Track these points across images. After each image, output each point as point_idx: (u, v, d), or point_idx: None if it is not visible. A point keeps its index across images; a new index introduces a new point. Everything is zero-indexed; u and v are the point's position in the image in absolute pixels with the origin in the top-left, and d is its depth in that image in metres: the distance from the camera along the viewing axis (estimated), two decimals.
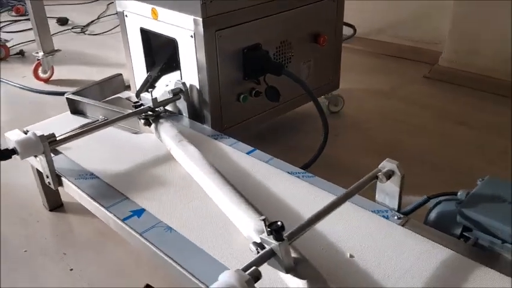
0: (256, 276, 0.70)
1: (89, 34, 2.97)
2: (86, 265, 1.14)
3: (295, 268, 0.77)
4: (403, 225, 0.94)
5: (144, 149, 1.23)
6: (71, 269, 1.14)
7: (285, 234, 0.77)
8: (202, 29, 1.25)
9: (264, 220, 0.75)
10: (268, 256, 0.75)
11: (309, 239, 0.89)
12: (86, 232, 1.27)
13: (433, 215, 1.00)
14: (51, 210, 1.36)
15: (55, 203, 1.36)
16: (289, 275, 0.76)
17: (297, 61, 1.56)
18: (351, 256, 0.87)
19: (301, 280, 0.75)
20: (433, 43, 2.13)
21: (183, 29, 1.32)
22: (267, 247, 0.75)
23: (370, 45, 2.39)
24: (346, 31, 2.46)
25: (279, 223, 0.74)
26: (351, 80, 2.09)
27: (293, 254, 0.79)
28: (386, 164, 0.94)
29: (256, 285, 0.70)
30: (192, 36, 1.29)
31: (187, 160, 1.11)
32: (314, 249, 0.89)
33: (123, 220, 0.98)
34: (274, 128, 1.73)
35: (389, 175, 0.94)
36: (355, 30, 2.43)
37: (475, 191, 0.96)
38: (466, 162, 1.50)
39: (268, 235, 0.75)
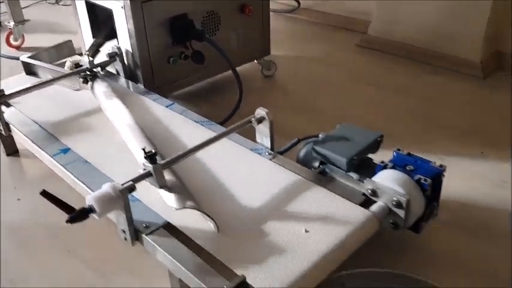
0: (131, 188, 0.96)
1: (62, 5, 3.17)
2: (31, 195, 1.40)
3: (167, 185, 1.02)
4: (271, 159, 1.19)
5: (80, 103, 1.48)
6: (18, 199, 1.39)
7: (163, 161, 1.02)
8: (129, 1, 1.48)
9: (143, 149, 1.00)
10: (145, 175, 1.00)
11: (199, 168, 1.15)
12: (35, 172, 1.52)
13: (301, 153, 1.25)
14: (8, 155, 1.61)
15: (11, 149, 1.61)
16: (162, 190, 1.02)
17: (225, 29, 1.79)
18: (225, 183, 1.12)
19: (171, 193, 1.01)
20: (366, 14, 2.34)
21: (116, 0, 1.54)
22: (146, 169, 1.00)
23: (313, 15, 2.61)
24: (293, 3, 2.68)
25: (152, 151, 0.99)
26: (289, 48, 2.32)
27: (169, 177, 1.05)
28: (259, 112, 1.19)
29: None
30: (122, 7, 1.52)
31: (111, 110, 1.36)
32: (198, 174, 1.14)
33: (52, 156, 1.23)
34: (210, 89, 1.97)
35: (260, 120, 1.19)
36: (299, 3, 2.63)
37: (330, 133, 1.21)
38: (367, 118, 1.75)
39: (146, 160, 1.00)
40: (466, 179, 1.43)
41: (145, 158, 0.99)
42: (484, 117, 1.74)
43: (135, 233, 0.99)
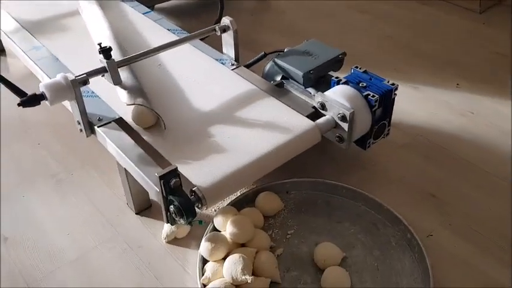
0: (84, 81, 1.00)
1: None
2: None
3: (122, 83, 1.06)
4: (232, 70, 1.21)
5: (62, 5, 1.50)
6: None
7: (120, 59, 1.06)
8: None
9: (99, 44, 1.03)
10: (100, 71, 1.03)
11: (159, 72, 1.18)
12: (18, 71, 1.58)
13: (266, 67, 1.26)
14: None
15: None
16: (118, 87, 1.06)
17: None
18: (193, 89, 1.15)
19: (124, 90, 1.05)
20: None
21: None
22: (102, 64, 1.04)
23: None
24: None
25: (107, 46, 1.02)
26: None
27: (126, 75, 1.08)
28: (224, 20, 1.19)
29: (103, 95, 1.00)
30: None
31: (87, 12, 1.38)
32: (157, 77, 1.17)
33: (26, 52, 1.27)
34: (200, 5, 1.97)
35: (224, 29, 1.20)
36: None
37: (294, 48, 1.22)
38: (349, 43, 1.73)
39: (101, 55, 1.03)
40: (434, 107, 1.43)
41: (100, 52, 1.02)
42: (471, 50, 1.71)
43: (90, 126, 1.04)
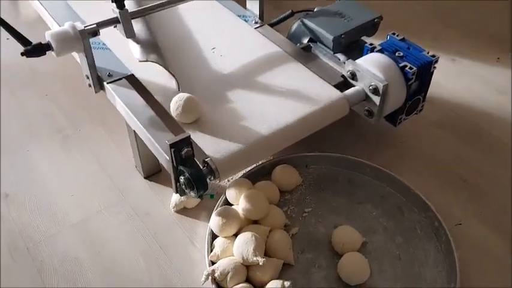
0: (94, 32, 0.91)
1: None
2: None
3: (136, 36, 0.97)
4: (256, 28, 1.11)
5: None
6: (7, 39, 1.37)
7: (136, 9, 0.96)
8: None
9: None
10: (112, 21, 0.94)
11: (176, 26, 1.09)
12: (30, 15, 1.49)
13: (292, 27, 1.16)
14: None
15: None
16: (130, 40, 0.97)
17: None
18: (213, 48, 1.06)
19: (137, 44, 0.96)
20: None
21: None
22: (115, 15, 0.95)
23: None
24: None
25: None
26: None
27: (140, 28, 0.99)
28: None
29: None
30: None
31: None
32: (175, 32, 1.08)
33: None
34: None
35: None
36: None
37: (325, 7, 1.10)
38: (385, 7, 1.60)
39: (113, 4, 0.93)
40: (471, 82, 1.32)
41: (112, 1, 0.93)
42: None
43: (99, 81, 0.96)
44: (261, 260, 0.80)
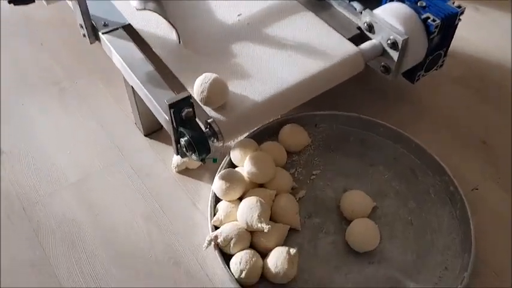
0: None
1: None
2: None
3: None
4: None
5: None
6: None
7: None
8: None
9: None
10: None
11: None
12: None
13: None
14: None
15: None
16: None
17: None
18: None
19: None
20: None
21: None
22: None
23: None
24: None
25: None
26: None
27: None
28: None
29: None
30: None
31: None
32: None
33: None
34: None
35: None
36: None
37: None
38: None
39: None
40: (495, 34, 1.23)
41: None
42: None
43: (93, 30, 0.89)
44: (265, 227, 0.76)
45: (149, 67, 0.82)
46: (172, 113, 0.71)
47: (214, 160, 0.82)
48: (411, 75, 0.95)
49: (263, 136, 0.94)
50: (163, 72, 0.81)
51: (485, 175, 0.94)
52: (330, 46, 0.86)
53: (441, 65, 0.98)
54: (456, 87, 1.10)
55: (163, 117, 0.75)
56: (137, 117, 0.96)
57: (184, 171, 0.92)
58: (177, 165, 0.91)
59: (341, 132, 0.98)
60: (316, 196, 0.89)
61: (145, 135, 0.98)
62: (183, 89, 0.79)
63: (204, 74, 0.76)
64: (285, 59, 0.84)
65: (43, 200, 0.88)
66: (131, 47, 0.85)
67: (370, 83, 1.08)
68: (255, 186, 0.85)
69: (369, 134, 0.97)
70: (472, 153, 0.97)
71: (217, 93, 0.75)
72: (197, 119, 0.73)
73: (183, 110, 0.71)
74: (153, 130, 0.99)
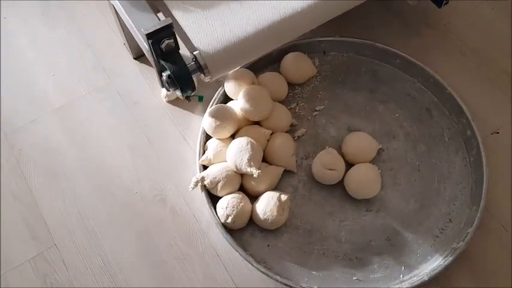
0: None
1: None
2: None
3: None
4: None
5: None
6: None
7: None
8: None
9: None
10: None
11: None
12: None
13: None
14: None
15: None
16: None
17: None
18: None
19: None
20: None
21: None
22: None
23: None
24: None
25: None
26: None
27: None
28: None
29: None
30: None
31: None
32: None
33: None
34: None
35: None
36: None
37: None
38: None
39: None
40: None
41: None
42: None
43: None
44: (255, 172, 0.70)
45: None
46: (150, 44, 0.62)
47: (200, 98, 0.74)
48: None
49: (263, 65, 0.85)
50: None
51: (509, 117, 0.84)
52: None
53: None
54: (484, 13, 0.95)
55: (144, 46, 0.66)
56: (125, 37, 0.87)
57: (175, 101, 0.85)
58: (167, 95, 0.84)
59: (352, 61, 0.87)
60: (317, 135, 0.81)
61: (135, 58, 0.90)
62: (168, 14, 0.69)
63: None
64: None
65: (26, 126, 0.83)
66: None
67: (390, 6, 0.95)
68: (249, 123, 0.78)
69: (383, 66, 0.87)
70: (496, 91, 0.87)
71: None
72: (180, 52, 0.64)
73: (162, 41, 0.62)
74: (142, 53, 0.90)
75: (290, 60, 0.83)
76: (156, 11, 0.70)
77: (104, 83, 0.87)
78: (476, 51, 0.91)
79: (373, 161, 0.77)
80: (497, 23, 0.94)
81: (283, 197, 0.71)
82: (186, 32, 0.67)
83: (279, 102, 0.82)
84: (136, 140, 0.82)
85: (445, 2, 0.83)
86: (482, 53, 0.91)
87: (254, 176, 0.70)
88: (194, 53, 0.65)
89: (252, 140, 0.72)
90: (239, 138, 0.73)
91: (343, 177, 0.76)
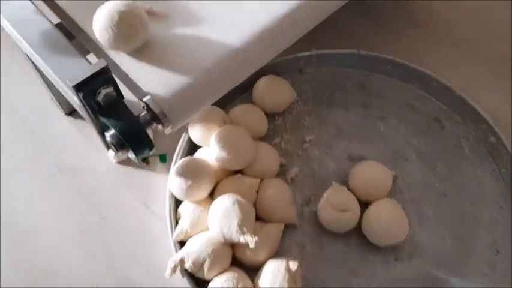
0: None
1: None
2: None
3: None
4: None
5: None
6: None
7: None
8: None
9: None
10: None
11: None
12: None
13: None
14: None
15: None
16: None
17: None
18: None
19: None
20: None
21: None
22: None
23: None
24: None
25: None
26: None
27: None
28: None
29: None
30: None
31: None
32: None
33: None
34: None
35: None
36: None
37: None
38: None
39: None
40: None
41: None
42: None
43: None
44: (251, 241, 0.53)
45: (45, 23, 0.53)
46: (81, 99, 0.44)
47: (162, 158, 0.57)
48: None
49: (231, 97, 0.68)
50: (70, 31, 0.53)
51: None
52: None
53: None
54: (478, 1, 0.84)
55: (75, 101, 0.48)
56: (51, 92, 0.68)
57: (127, 160, 0.66)
58: (116, 154, 0.66)
59: (334, 76, 0.72)
60: (313, 172, 0.65)
61: (68, 114, 0.71)
62: (103, 55, 0.51)
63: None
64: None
65: None
66: None
67: (365, 10, 0.81)
68: (228, 174, 0.61)
69: (371, 75, 0.72)
70: (509, 86, 0.74)
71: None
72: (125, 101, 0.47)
73: (98, 92, 0.44)
74: None
75: (263, 86, 0.67)
76: (84, 53, 0.52)
77: (32, 150, 0.68)
78: (477, 43, 0.78)
79: (389, 194, 0.62)
80: (494, 8, 0.82)
81: (293, 265, 0.54)
82: (130, 73, 0.49)
83: (259, 139, 0.65)
84: (85, 221, 0.63)
85: None
86: (483, 45, 0.78)
87: (251, 246, 0.53)
88: (145, 99, 0.48)
89: (239, 197, 0.55)
90: (221, 197, 0.56)
91: (359, 220, 0.60)
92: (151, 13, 0.51)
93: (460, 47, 0.78)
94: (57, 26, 0.53)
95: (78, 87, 0.43)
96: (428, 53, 0.76)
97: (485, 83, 0.73)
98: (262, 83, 0.67)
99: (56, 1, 0.54)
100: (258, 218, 0.59)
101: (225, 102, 0.67)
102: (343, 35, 0.78)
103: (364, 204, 0.61)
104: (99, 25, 0.47)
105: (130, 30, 0.47)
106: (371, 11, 0.81)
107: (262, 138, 0.66)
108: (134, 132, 0.46)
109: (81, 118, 0.70)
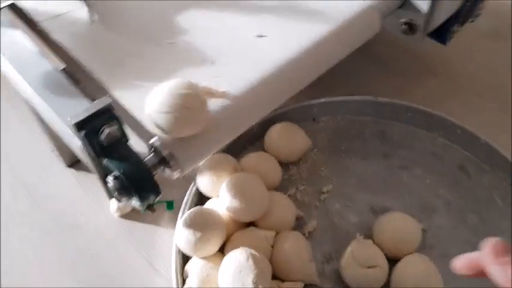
0: None
1: None
2: None
3: None
4: None
5: None
6: None
7: None
8: None
9: None
10: None
11: None
12: None
13: None
14: None
15: None
16: None
17: None
18: None
19: None
20: None
21: None
22: None
23: None
24: None
25: None
26: None
27: None
28: None
29: None
30: None
31: None
32: None
33: None
34: None
35: None
36: None
37: None
38: None
39: None
40: None
41: None
42: None
43: None
44: None
45: (46, 65, 0.51)
46: (84, 137, 0.40)
47: (170, 205, 0.52)
48: (441, 32, 0.67)
49: (241, 146, 0.64)
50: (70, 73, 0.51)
51: None
52: (330, 4, 0.57)
53: (478, 15, 0.70)
54: (492, 45, 0.82)
55: (74, 143, 0.45)
56: (52, 143, 0.65)
57: (131, 213, 0.61)
58: (119, 208, 0.61)
59: (351, 124, 0.69)
60: (333, 226, 0.59)
61: (69, 166, 0.67)
62: (104, 93, 0.48)
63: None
64: (263, 31, 0.54)
65: None
66: (18, 35, 0.54)
67: (377, 55, 0.79)
68: (240, 226, 0.56)
69: (391, 124, 0.69)
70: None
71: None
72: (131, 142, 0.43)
73: (101, 130, 0.40)
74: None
75: (277, 134, 0.63)
76: (90, 99, 0.49)
77: (29, 206, 0.63)
78: (495, 89, 0.75)
79: (418, 249, 0.56)
80: (504, 48, 0.80)
81: None
82: (136, 115, 0.46)
83: (273, 190, 0.60)
84: (84, 282, 0.57)
85: (450, 36, 0.67)
86: (502, 90, 0.75)
87: None
88: (152, 141, 0.44)
89: (253, 251, 0.50)
90: (233, 251, 0.50)
91: (388, 278, 0.54)
92: (210, 94, 0.47)
93: (480, 97, 0.75)
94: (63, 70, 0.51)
95: (80, 125, 0.39)
96: (446, 100, 0.73)
97: (503, 129, 0.69)
98: (275, 130, 0.64)
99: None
100: (273, 277, 0.53)
101: (236, 152, 0.63)
102: (357, 84, 0.75)
103: (390, 261, 0.55)
104: (157, 108, 0.41)
105: (192, 115, 0.41)
106: (383, 59, 0.79)
107: (276, 189, 0.61)
108: (139, 175, 0.42)
109: (83, 169, 0.66)
